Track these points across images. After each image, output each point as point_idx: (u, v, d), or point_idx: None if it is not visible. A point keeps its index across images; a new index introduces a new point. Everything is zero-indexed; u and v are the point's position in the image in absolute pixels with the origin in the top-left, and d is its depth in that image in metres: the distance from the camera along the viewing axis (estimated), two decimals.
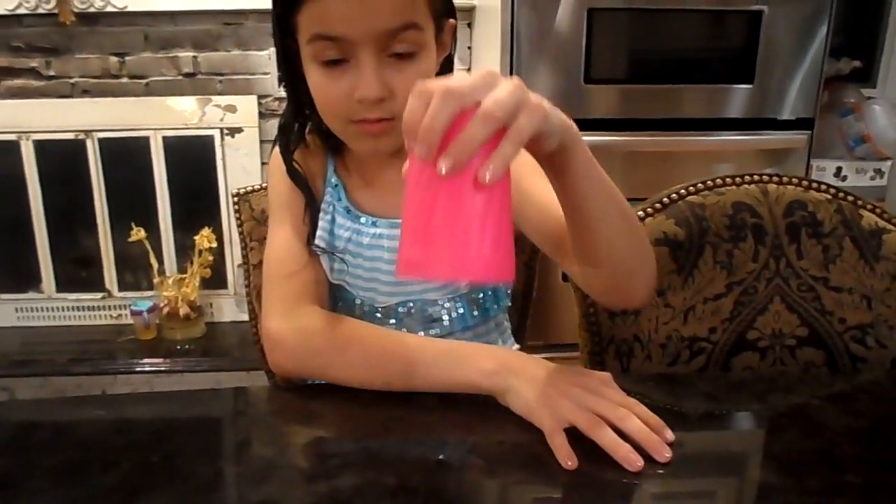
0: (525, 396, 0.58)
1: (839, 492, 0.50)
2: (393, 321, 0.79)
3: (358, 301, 0.79)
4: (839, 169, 2.12)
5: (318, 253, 0.76)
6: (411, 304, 0.78)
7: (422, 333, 0.77)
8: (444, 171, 0.42)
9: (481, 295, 0.81)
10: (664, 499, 0.51)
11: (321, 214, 0.76)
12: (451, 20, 0.71)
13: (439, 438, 0.59)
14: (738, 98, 1.86)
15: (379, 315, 0.79)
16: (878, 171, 2.15)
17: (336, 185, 0.78)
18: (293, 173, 0.74)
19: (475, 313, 0.80)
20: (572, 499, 0.51)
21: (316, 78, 0.66)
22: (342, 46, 0.62)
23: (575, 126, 0.51)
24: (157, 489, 0.50)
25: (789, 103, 1.87)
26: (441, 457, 0.54)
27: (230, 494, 0.51)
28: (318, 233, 0.75)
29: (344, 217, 0.77)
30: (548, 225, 0.66)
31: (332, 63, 0.64)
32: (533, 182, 0.67)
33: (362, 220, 0.76)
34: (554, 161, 0.51)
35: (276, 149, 0.78)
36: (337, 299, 0.80)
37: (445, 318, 0.79)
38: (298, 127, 0.76)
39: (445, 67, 0.73)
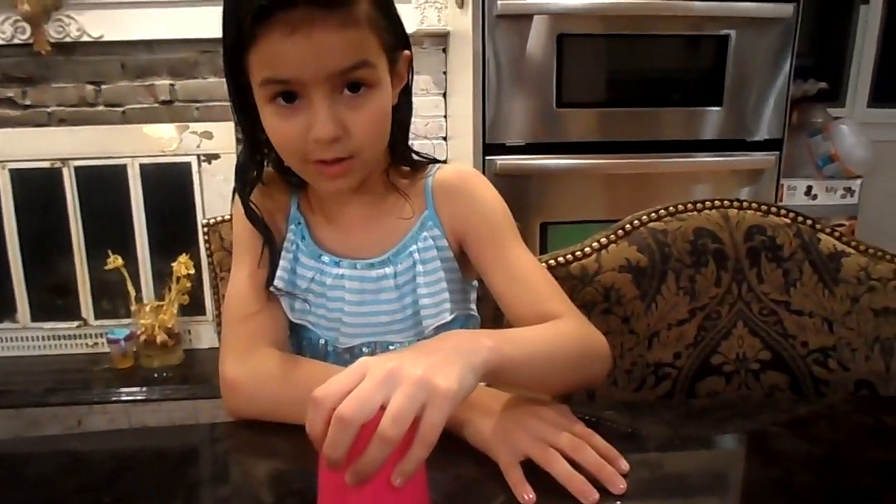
0: (481, 430, 0.58)
1: None
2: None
3: (322, 341, 0.78)
4: (809, 188, 2.16)
5: (278, 294, 0.74)
6: (375, 345, 0.76)
7: None
8: (351, 483, 0.43)
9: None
10: None
11: (283, 253, 0.75)
12: (406, 52, 0.71)
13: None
14: (709, 120, 1.89)
15: (343, 355, 0.77)
16: (849, 190, 2.19)
17: (299, 224, 0.77)
18: (251, 214, 0.73)
19: None
20: None
21: (270, 119, 0.65)
22: (294, 87, 0.62)
23: (493, 349, 0.53)
24: None
25: (759, 124, 1.91)
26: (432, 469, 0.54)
27: None
28: (279, 273, 0.74)
29: (307, 257, 0.76)
30: (507, 295, 0.71)
31: (285, 102, 0.63)
32: (501, 251, 0.72)
33: (325, 259, 0.75)
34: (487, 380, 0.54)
35: (236, 203, 0.76)
36: (301, 338, 0.79)
37: None
38: (256, 167, 0.74)
39: (404, 98, 0.73)
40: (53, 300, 2.27)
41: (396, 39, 0.68)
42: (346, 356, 0.77)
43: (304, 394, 0.64)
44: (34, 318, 2.27)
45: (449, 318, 0.74)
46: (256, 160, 0.74)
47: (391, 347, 0.76)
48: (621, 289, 0.85)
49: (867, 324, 0.87)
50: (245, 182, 0.74)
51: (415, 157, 0.77)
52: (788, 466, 0.59)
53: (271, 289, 0.73)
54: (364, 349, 0.77)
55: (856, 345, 0.87)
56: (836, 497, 0.54)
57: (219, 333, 1.03)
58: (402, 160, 0.76)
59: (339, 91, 0.63)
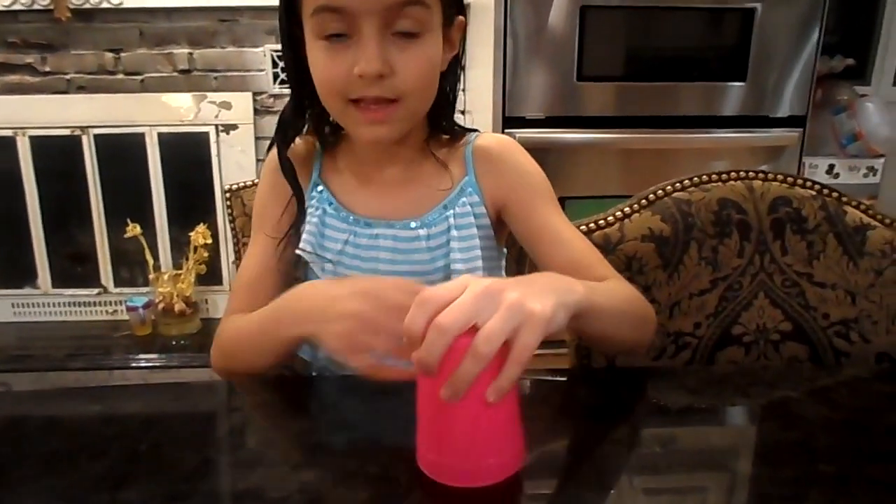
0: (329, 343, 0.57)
1: (813, 481, 0.51)
2: None
3: None
4: (832, 166, 2.14)
5: (306, 257, 0.75)
6: None
7: None
8: (446, 399, 0.44)
9: None
10: (646, 493, 0.52)
11: (309, 217, 0.76)
12: (461, 17, 0.70)
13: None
14: (731, 96, 1.87)
15: None
16: (871, 169, 2.16)
17: (322, 191, 0.77)
18: (286, 166, 0.74)
19: None
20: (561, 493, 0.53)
21: (317, 54, 0.65)
22: (345, 19, 0.62)
23: (584, 294, 0.53)
24: (145, 477, 0.51)
25: (782, 101, 1.88)
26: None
27: (216, 483, 0.52)
28: (306, 236, 0.74)
29: (338, 220, 0.75)
30: (554, 262, 0.70)
31: (335, 38, 0.63)
32: (544, 219, 0.72)
33: (358, 222, 0.75)
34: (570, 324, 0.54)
35: (267, 159, 0.78)
36: None
37: None
38: (298, 121, 0.75)
39: (453, 68, 0.73)
40: (73, 267, 2.30)
41: None
42: None
43: (242, 339, 0.67)
44: (55, 285, 2.30)
45: None
46: (300, 116, 0.74)
47: None
48: (644, 258, 0.85)
49: (890, 297, 0.87)
50: (286, 135, 0.75)
51: (456, 129, 0.78)
52: (808, 429, 0.59)
53: (298, 251, 0.74)
54: None
55: (877, 317, 0.87)
56: (855, 458, 0.55)
57: None
58: (442, 128, 0.76)
59: (391, 31, 0.63)
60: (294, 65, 0.70)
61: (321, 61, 0.65)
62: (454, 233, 0.73)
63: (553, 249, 0.72)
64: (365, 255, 0.75)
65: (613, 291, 0.65)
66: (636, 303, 0.67)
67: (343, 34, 0.63)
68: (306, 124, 0.77)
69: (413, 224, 0.74)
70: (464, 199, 0.75)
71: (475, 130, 0.80)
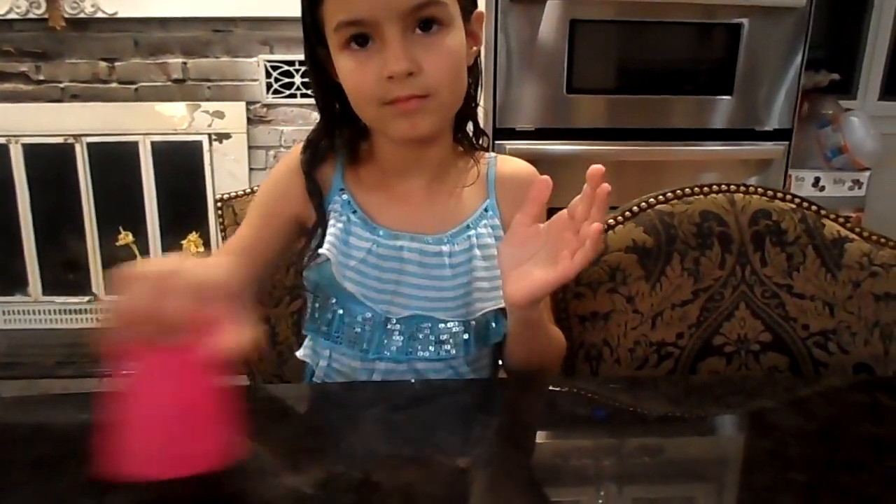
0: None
1: (783, 489, 0.53)
2: (401, 337, 0.76)
3: (368, 314, 0.75)
4: (817, 179, 2.17)
5: (332, 258, 0.73)
6: (424, 323, 0.75)
7: (427, 354, 0.76)
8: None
9: (485, 324, 0.78)
10: (625, 501, 0.53)
11: (333, 222, 0.75)
12: (479, 10, 0.72)
13: (405, 436, 0.61)
14: (719, 109, 1.90)
15: (389, 328, 0.76)
16: (857, 182, 2.19)
17: (347, 200, 0.76)
18: (312, 188, 0.75)
19: (476, 342, 0.78)
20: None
21: (345, 66, 0.67)
22: (368, 28, 0.64)
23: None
24: (131, 483, 0.51)
25: (769, 115, 1.91)
26: (406, 453, 0.56)
27: (198, 488, 0.53)
28: (330, 239, 0.74)
29: (362, 229, 0.75)
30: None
31: (360, 47, 0.66)
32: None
33: (380, 232, 0.75)
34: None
35: (288, 156, 0.78)
36: (344, 313, 0.77)
37: (450, 342, 0.76)
38: (329, 140, 0.76)
39: (476, 63, 0.75)
40: (65, 275, 2.30)
41: None
42: (394, 330, 0.75)
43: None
44: (45, 292, 2.30)
45: (503, 304, 0.73)
46: (330, 135, 0.76)
47: (440, 325, 0.76)
48: (627, 269, 0.86)
49: (868, 308, 0.88)
50: (315, 154, 0.76)
51: (476, 134, 0.80)
52: (782, 438, 0.61)
53: (323, 251, 0.73)
54: (412, 325, 0.75)
55: (856, 328, 0.89)
56: (827, 468, 0.56)
57: None
58: (466, 134, 0.78)
59: (412, 30, 0.65)
60: (321, 87, 0.73)
61: (350, 71, 0.67)
62: (477, 252, 0.74)
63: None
64: (387, 265, 0.74)
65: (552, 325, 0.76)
66: (558, 336, 0.77)
67: (367, 41, 0.66)
68: (334, 140, 0.77)
69: (437, 240, 0.75)
70: (486, 220, 0.76)
71: (485, 147, 0.82)
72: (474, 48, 0.73)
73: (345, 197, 0.76)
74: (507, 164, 0.81)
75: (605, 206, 0.61)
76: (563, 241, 0.62)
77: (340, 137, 0.77)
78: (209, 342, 0.46)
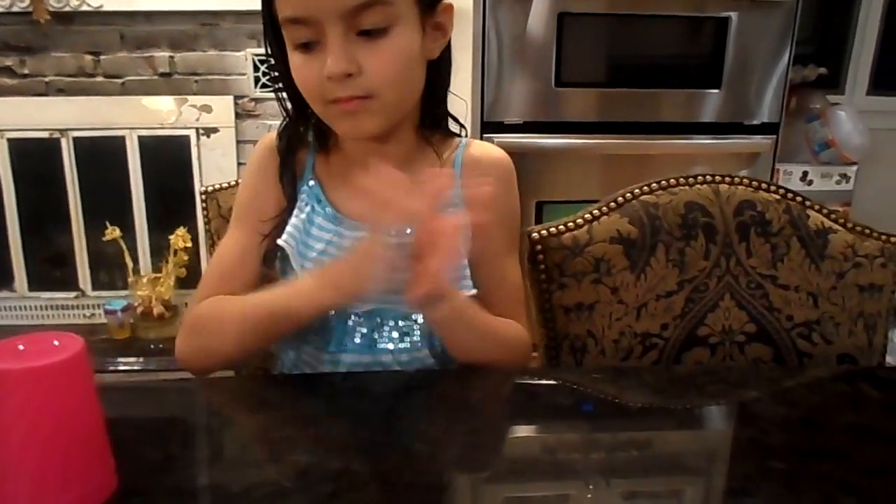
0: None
1: (764, 476, 0.53)
2: (365, 329, 0.75)
3: None
4: (805, 173, 2.17)
5: (288, 251, 0.74)
6: (388, 313, 0.75)
7: (391, 346, 0.75)
8: None
9: None
10: (607, 489, 0.53)
11: (296, 212, 0.76)
12: (445, 1, 0.71)
13: (381, 425, 0.60)
14: (707, 103, 1.90)
15: (353, 320, 0.76)
16: (844, 176, 2.20)
17: (313, 186, 0.77)
18: (286, 175, 0.75)
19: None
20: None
21: (294, 63, 0.68)
22: (311, 27, 0.64)
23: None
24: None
25: (757, 108, 1.92)
26: (385, 441, 0.56)
27: (178, 477, 0.52)
28: (290, 230, 0.74)
29: (323, 219, 0.75)
30: (486, 290, 0.76)
31: (306, 46, 0.66)
32: (504, 264, 0.78)
33: (344, 223, 0.75)
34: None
35: (260, 145, 0.78)
36: None
37: (417, 332, 0.76)
38: (301, 127, 0.76)
39: (445, 55, 0.74)
40: (51, 270, 2.28)
41: None
42: (357, 322, 0.75)
43: (224, 321, 0.69)
44: (31, 288, 2.27)
45: (473, 291, 0.73)
46: (301, 123, 0.76)
47: (404, 317, 0.75)
48: (612, 260, 0.86)
49: (852, 299, 0.89)
50: (290, 142, 0.76)
51: (448, 125, 0.79)
52: (764, 427, 0.60)
53: (280, 242, 0.74)
54: (377, 317, 0.75)
55: (840, 319, 0.89)
56: (808, 455, 0.56)
57: None
58: (432, 121, 0.77)
59: (355, 31, 0.65)
60: (286, 79, 0.72)
61: (297, 68, 0.68)
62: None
63: (496, 287, 0.77)
64: None
65: (494, 319, 0.74)
66: (512, 333, 0.76)
67: (312, 41, 0.66)
68: (308, 127, 0.77)
69: (400, 232, 0.74)
70: (450, 210, 0.75)
71: (460, 135, 0.80)
72: (440, 41, 0.72)
73: (312, 184, 0.76)
74: (477, 147, 0.80)
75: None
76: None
77: (311, 127, 0.76)
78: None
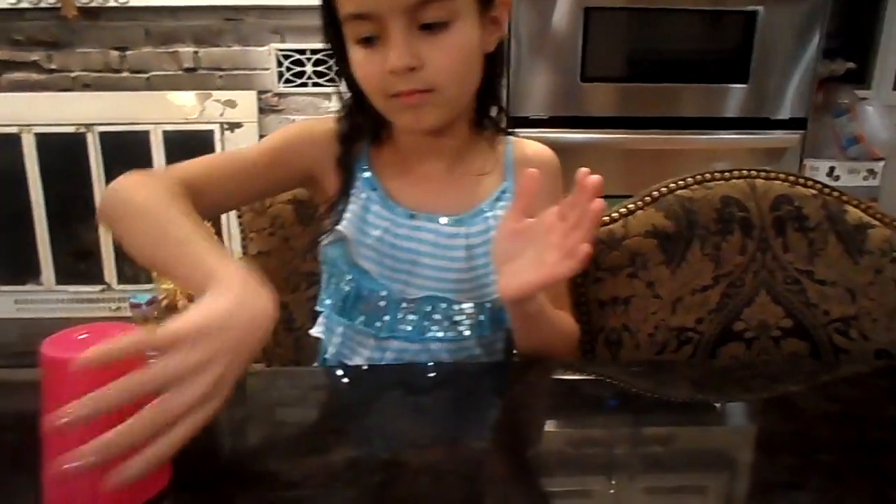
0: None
1: (811, 470, 0.53)
2: (415, 316, 0.76)
3: (383, 292, 0.75)
4: (832, 169, 2.15)
5: (347, 236, 0.74)
6: (439, 304, 0.75)
7: (440, 334, 0.76)
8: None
9: (500, 307, 0.77)
10: (650, 482, 0.53)
11: (353, 198, 0.76)
12: None
13: (428, 417, 0.61)
14: (733, 97, 1.88)
15: (404, 307, 0.76)
16: (871, 172, 2.17)
17: (369, 176, 0.77)
18: (346, 159, 0.76)
19: (491, 324, 0.78)
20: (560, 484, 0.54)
21: (355, 59, 0.68)
22: (374, 23, 0.65)
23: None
24: None
25: (784, 103, 1.90)
26: (433, 433, 0.56)
27: (228, 469, 0.53)
28: (348, 216, 0.75)
29: (380, 207, 0.75)
30: None
31: (368, 41, 0.67)
32: None
33: (398, 211, 0.75)
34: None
35: (317, 122, 0.78)
36: (360, 288, 0.76)
37: (466, 323, 0.76)
38: (358, 121, 0.76)
39: (499, 49, 0.74)
40: (77, 264, 2.31)
41: None
42: (408, 309, 0.76)
43: (138, 217, 0.61)
44: (58, 281, 2.31)
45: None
46: (360, 114, 0.76)
47: (455, 307, 0.76)
48: (647, 254, 0.86)
49: (889, 295, 0.88)
50: (351, 132, 0.76)
51: (501, 119, 0.80)
52: (807, 421, 0.60)
53: (340, 228, 0.74)
54: (426, 306, 0.75)
55: (877, 315, 0.88)
56: (852, 448, 0.56)
57: None
58: (487, 118, 0.78)
59: (417, 25, 0.65)
60: (346, 72, 0.73)
61: (359, 63, 0.69)
62: (493, 234, 0.73)
63: None
64: (403, 245, 0.75)
65: (556, 311, 0.73)
66: (566, 325, 0.76)
67: (374, 36, 0.66)
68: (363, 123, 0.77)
69: (453, 222, 0.75)
70: (502, 203, 0.76)
71: (511, 133, 0.81)
72: (496, 34, 0.73)
73: (367, 174, 0.77)
74: (527, 146, 0.81)
75: (596, 223, 0.59)
76: (550, 244, 0.60)
77: (367, 117, 0.77)
78: None
